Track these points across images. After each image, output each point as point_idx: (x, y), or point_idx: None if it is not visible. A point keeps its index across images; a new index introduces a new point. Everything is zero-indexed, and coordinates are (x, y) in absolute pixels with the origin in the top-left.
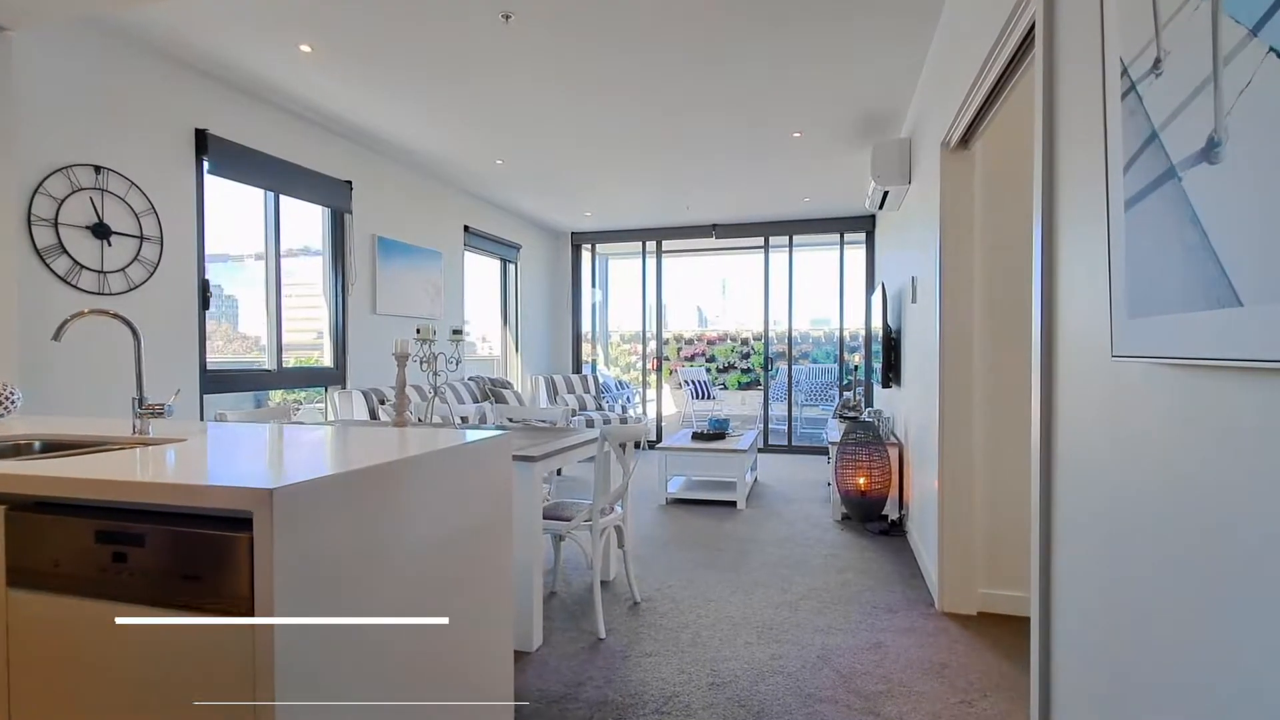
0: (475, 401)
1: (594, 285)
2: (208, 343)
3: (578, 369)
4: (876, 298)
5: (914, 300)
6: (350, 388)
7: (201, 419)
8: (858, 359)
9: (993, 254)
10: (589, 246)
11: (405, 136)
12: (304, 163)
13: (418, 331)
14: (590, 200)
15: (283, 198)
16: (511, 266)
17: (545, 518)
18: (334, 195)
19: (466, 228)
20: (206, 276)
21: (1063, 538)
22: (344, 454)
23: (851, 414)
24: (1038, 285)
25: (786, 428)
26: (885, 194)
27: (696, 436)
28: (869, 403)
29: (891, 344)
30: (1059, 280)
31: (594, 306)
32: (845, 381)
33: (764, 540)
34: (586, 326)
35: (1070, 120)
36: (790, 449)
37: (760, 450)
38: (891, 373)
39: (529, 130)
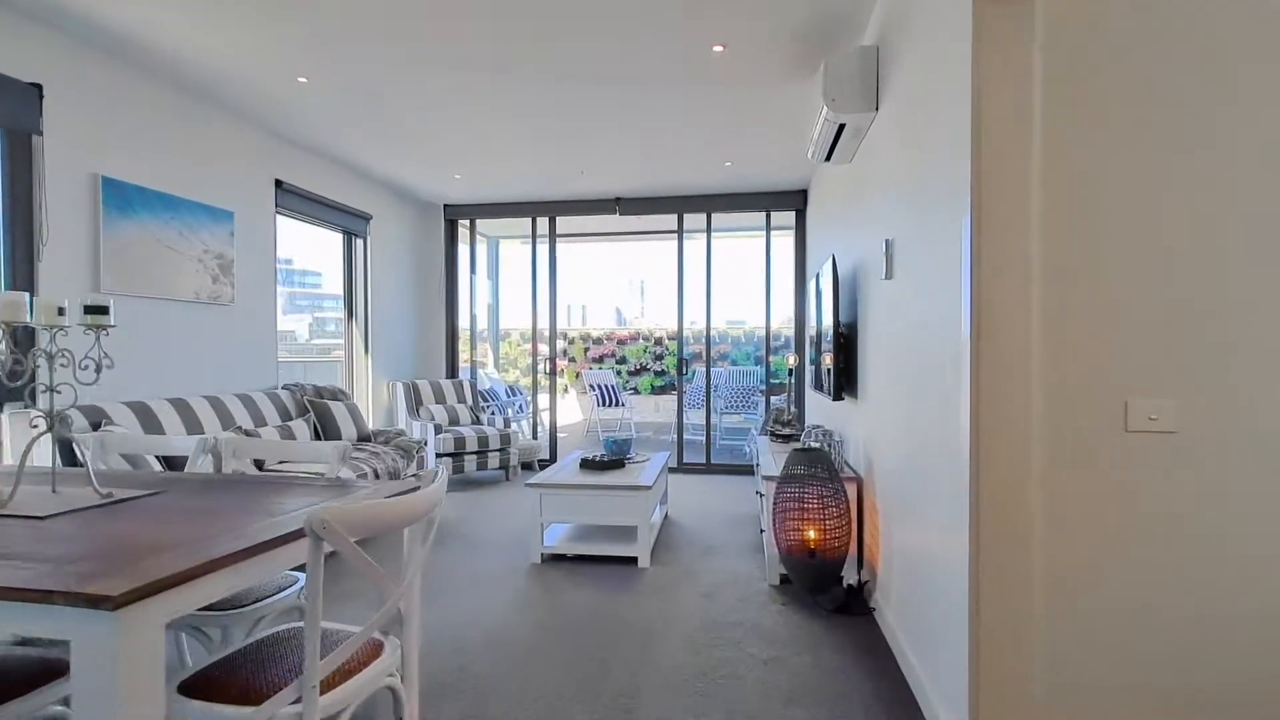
0: (286, 419)
1: (473, 272)
2: None
3: (454, 373)
4: (824, 283)
5: (888, 274)
6: (40, 406)
7: None
8: (792, 360)
9: (1075, 173)
10: (467, 223)
11: (132, 21)
12: None
13: None
14: (455, 157)
15: None
16: (359, 241)
17: (187, 693)
18: (2, 103)
19: (279, 183)
20: None
21: None
22: None
23: (786, 431)
24: None
25: (705, 439)
26: (839, 131)
27: (587, 466)
28: (794, 411)
29: (843, 343)
30: None
31: (472, 298)
32: (769, 385)
33: (673, 632)
34: (467, 322)
35: None
36: (709, 468)
37: (673, 470)
38: (844, 380)
39: (342, 26)
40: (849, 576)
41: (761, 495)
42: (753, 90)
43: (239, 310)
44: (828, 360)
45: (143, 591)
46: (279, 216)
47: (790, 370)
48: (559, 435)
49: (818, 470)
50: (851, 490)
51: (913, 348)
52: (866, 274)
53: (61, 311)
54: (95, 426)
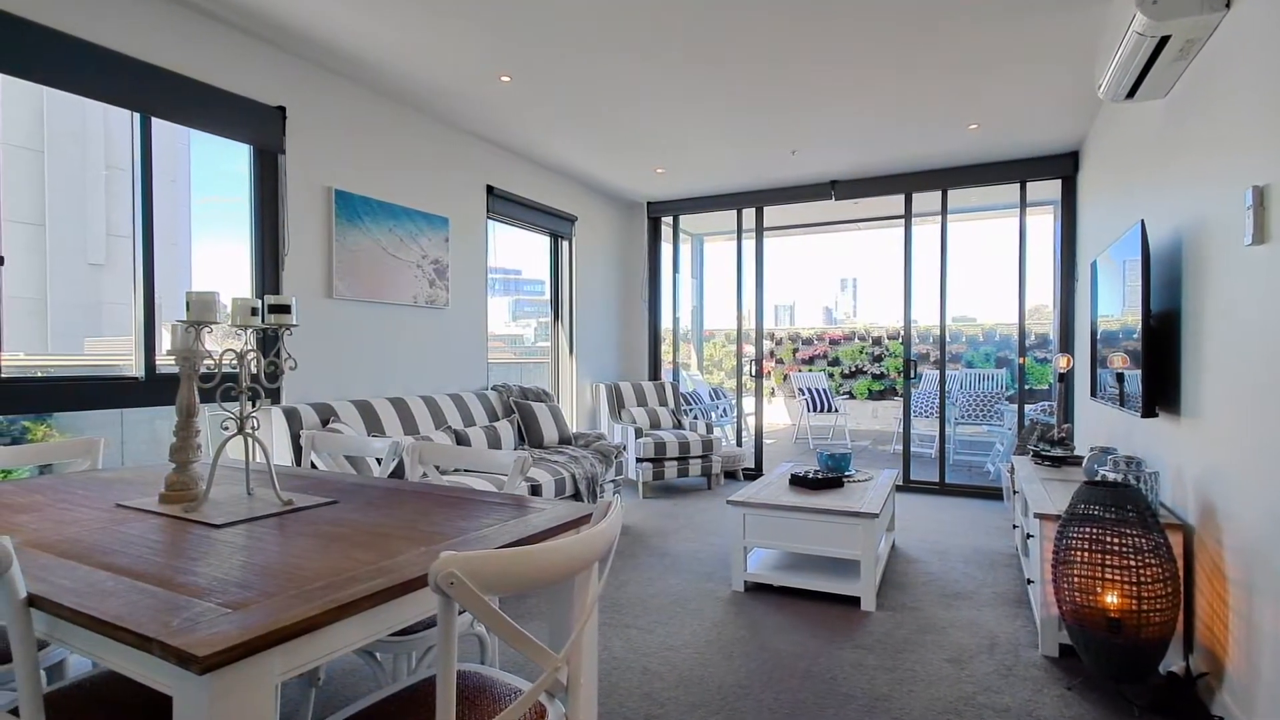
0: (493, 420)
1: (676, 270)
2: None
3: (656, 375)
4: (1112, 262)
5: (1257, 238)
6: (285, 402)
7: None
8: (1063, 363)
9: None
10: (670, 221)
11: (362, 39)
12: (198, 74)
13: (188, 307)
14: (657, 148)
15: (187, 131)
16: (564, 243)
17: None
18: (254, 125)
19: (491, 189)
20: None
21: None
22: None
23: (1056, 452)
24: None
25: (937, 453)
26: (1158, 49)
27: (797, 483)
28: (1066, 427)
29: (1154, 341)
30: None
31: (675, 298)
32: (1021, 391)
33: (911, 710)
34: (669, 323)
35: None
36: (942, 488)
37: (898, 488)
38: (1158, 390)
39: (541, 20)
40: (1170, 661)
41: (1030, 536)
42: (1016, 16)
43: (453, 313)
44: (1119, 362)
45: (240, 650)
46: (490, 221)
47: (1060, 375)
48: (765, 442)
49: (1124, 513)
50: (1175, 544)
51: None
52: (1205, 242)
53: (255, 312)
54: (324, 423)
